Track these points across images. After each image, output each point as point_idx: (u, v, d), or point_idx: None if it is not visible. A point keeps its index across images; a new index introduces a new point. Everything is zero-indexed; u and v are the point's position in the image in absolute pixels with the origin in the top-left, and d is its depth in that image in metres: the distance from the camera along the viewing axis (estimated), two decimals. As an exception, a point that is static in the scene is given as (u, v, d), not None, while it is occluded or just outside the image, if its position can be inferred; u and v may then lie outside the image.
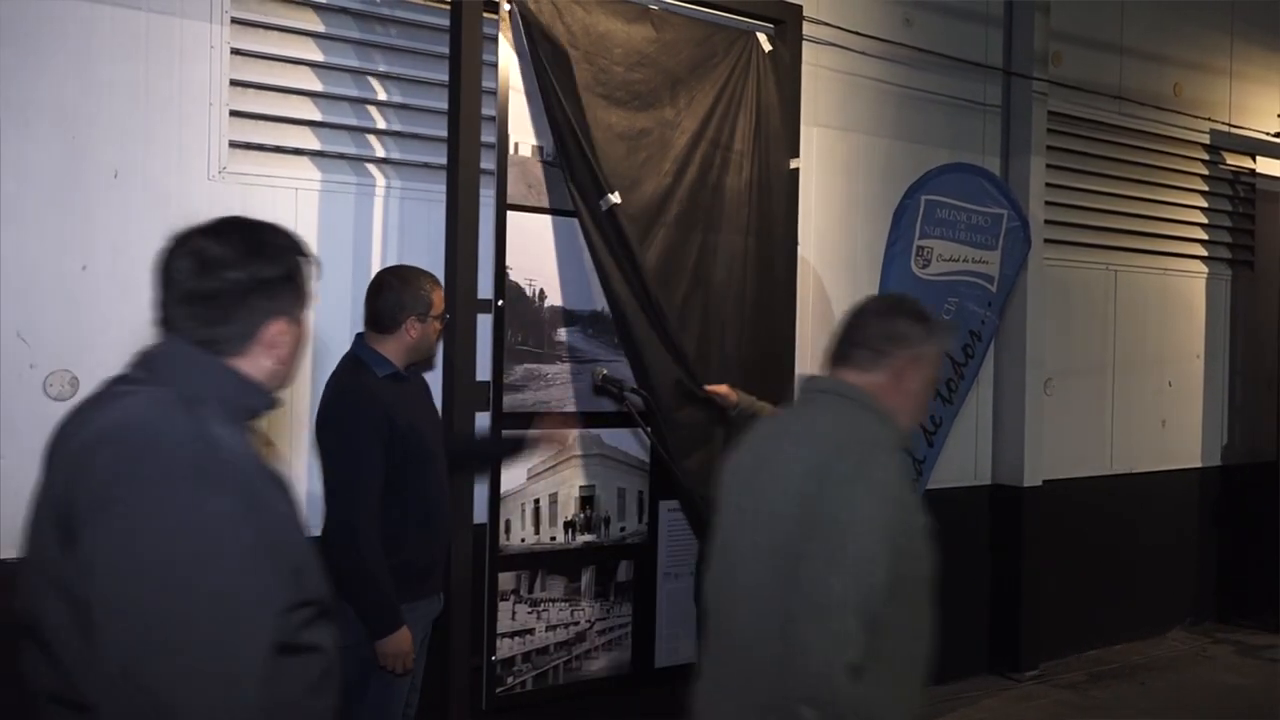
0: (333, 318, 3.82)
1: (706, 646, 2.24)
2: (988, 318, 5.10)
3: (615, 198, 3.85)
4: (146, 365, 1.67)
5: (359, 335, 3.32)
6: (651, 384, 3.87)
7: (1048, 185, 5.91)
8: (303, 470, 3.75)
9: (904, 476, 2.03)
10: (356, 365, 3.22)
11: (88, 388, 3.40)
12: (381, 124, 3.96)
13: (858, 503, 1.94)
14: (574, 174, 3.82)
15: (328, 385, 3.24)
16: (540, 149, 3.88)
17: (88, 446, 1.60)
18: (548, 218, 3.90)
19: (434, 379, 3.78)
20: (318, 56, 3.83)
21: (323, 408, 3.20)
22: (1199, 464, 7.01)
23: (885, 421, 2.11)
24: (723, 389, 3.92)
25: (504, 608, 3.83)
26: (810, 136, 4.95)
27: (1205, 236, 6.99)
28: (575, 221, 3.91)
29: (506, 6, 3.75)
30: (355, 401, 3.13)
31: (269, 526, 1.58)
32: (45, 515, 1.63)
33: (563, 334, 3.96)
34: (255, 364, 1.69)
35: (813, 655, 1.87)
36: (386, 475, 3.09)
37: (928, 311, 2.21)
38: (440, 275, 3.75)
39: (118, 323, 3.48)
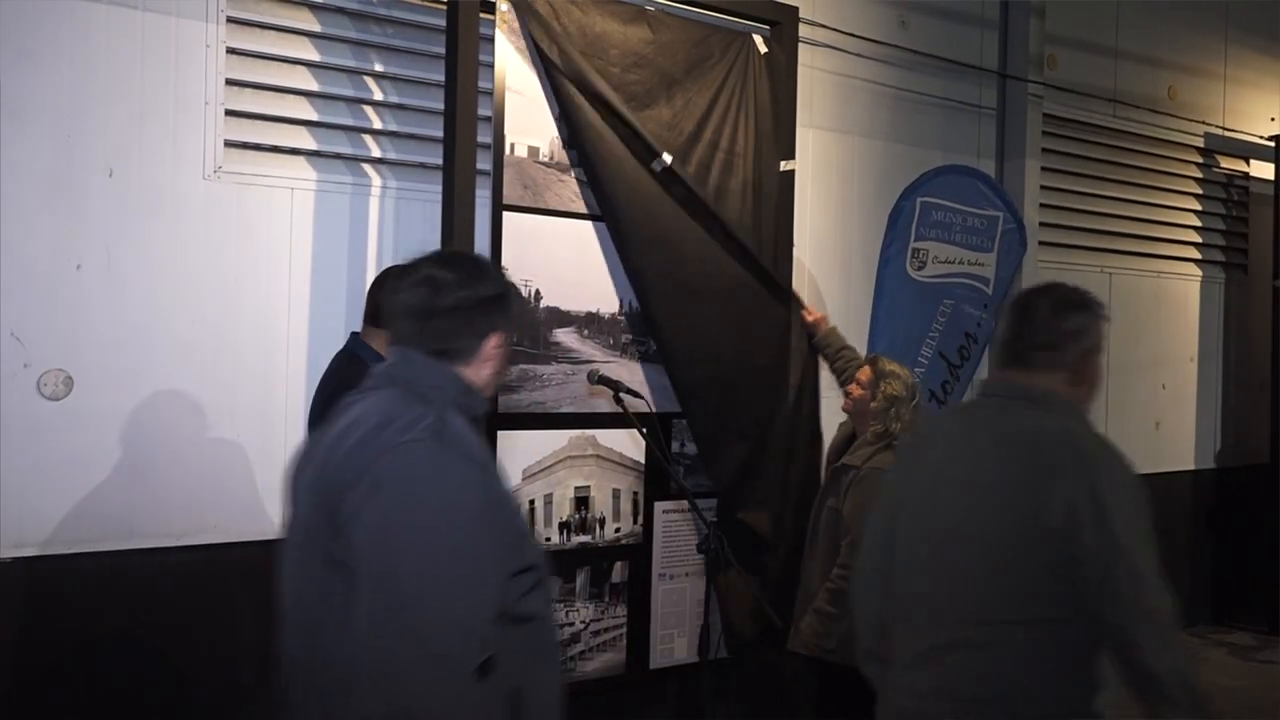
0: (327, 318, 3.82)
1: (908, 642, 2.22)
2: (983, 320, 5.11)
3: (668, 158, 3.97)
4: (387, 374, 1.95)
5: (354, 334, 3.32)
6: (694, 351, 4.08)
7: (1042, 188, 5.93)
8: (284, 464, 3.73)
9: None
10: (355, 361, 3.18)
11: (82, 387, 3.42)
12: (378, 124, 3.95)
13: (1132, 513, 2.06)
14: (623, 142, 3.90)
15: (325, 382, 3.22)
16: (536, 150, 3.88)
17: (342, 435, 1.86)
18: (544, 218, 3.90)
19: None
20: (314, 56, 3.83)
21: (327, 402, 3.11)
22: (1193, 466, 7.02)
23: (1083, 420, 2.17)
24: (817, 316, 4.36)
25: (499, 608, 3.83)
26: (806, 138, 4.95)
27: (1199, 240, 7.01)
28: (571, 222, 3.92)
29: (504, 7, 3.74)
30: None
31: (496, 496, 1.86)
32: (309, 500, 1.89)
33: (558, 335, 3.96)
34: (477, 372, 1.96)
35: (1169, 654, 1.97)
36: None
37: (1087, 294, 2.24)
38: (436, 275, 3.75)
39: (112, 322, 3.48)
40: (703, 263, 4.13)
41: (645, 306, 4.06)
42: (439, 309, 1.91)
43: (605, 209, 3.97)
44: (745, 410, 4.23)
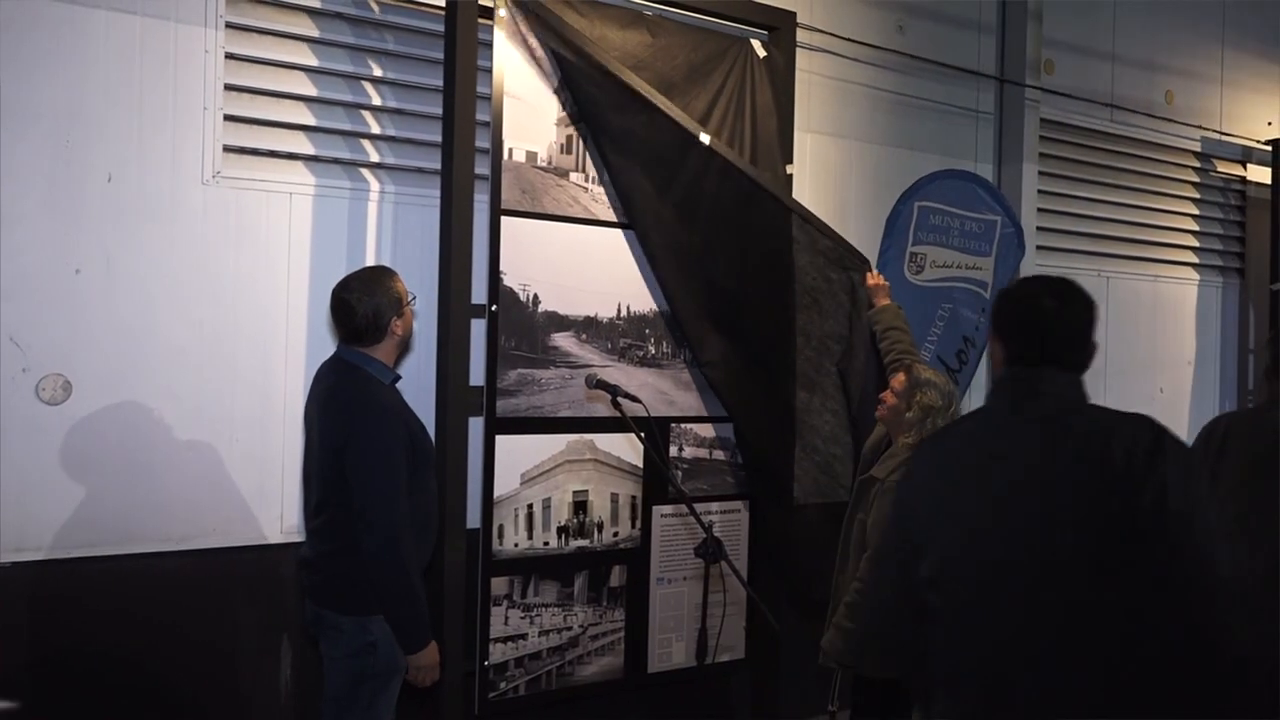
0: (325, 324, 3.82)
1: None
2: (981, 324, 5.10)
3: (705, 137, 4.02)
4: (1057, 398, 2.08)
5: (344, 345, 3.19)
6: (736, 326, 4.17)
7: (1040, 192, 5.93)
8: (296, 470, 3.75)
9: None
10: (359, 375, 3.10)
11: (80, 392, 3.43)
12: (376, 129, 3.96)
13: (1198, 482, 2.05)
14: (656, 128, 3.94)
15: (333, 399, 3.09)
16: (534, 155, 3.88)
17: None
18: (542, 223, 3.90)
19: (427, 383, 3.79)
20: (312, 61, 3.83)
21: (340, 425, 3.04)
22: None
23: None
24: (878, 280, 4.33)
25: (497, 613, 3.83)
26: (804, 142, 4.96)
27: (1196, 244, 7.01)
28: (569, 227, 3.93)
29: (502, 11, 3.75)
30: (380, 415, 3.03)
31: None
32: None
33: (556, 339, 3.96)
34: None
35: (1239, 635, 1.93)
36: None
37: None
38: (434, 280, 3.76)
39: (111, 327, 3.48)
40: (744, 255, 4.17)
41: (676, 304, 4.12)
42: (1078, 331, 2.17)
43: (631, 206, 4.01)
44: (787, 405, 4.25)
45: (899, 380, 3.70)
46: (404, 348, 3.30)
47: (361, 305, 3.09)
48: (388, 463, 2.99)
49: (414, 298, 3.27)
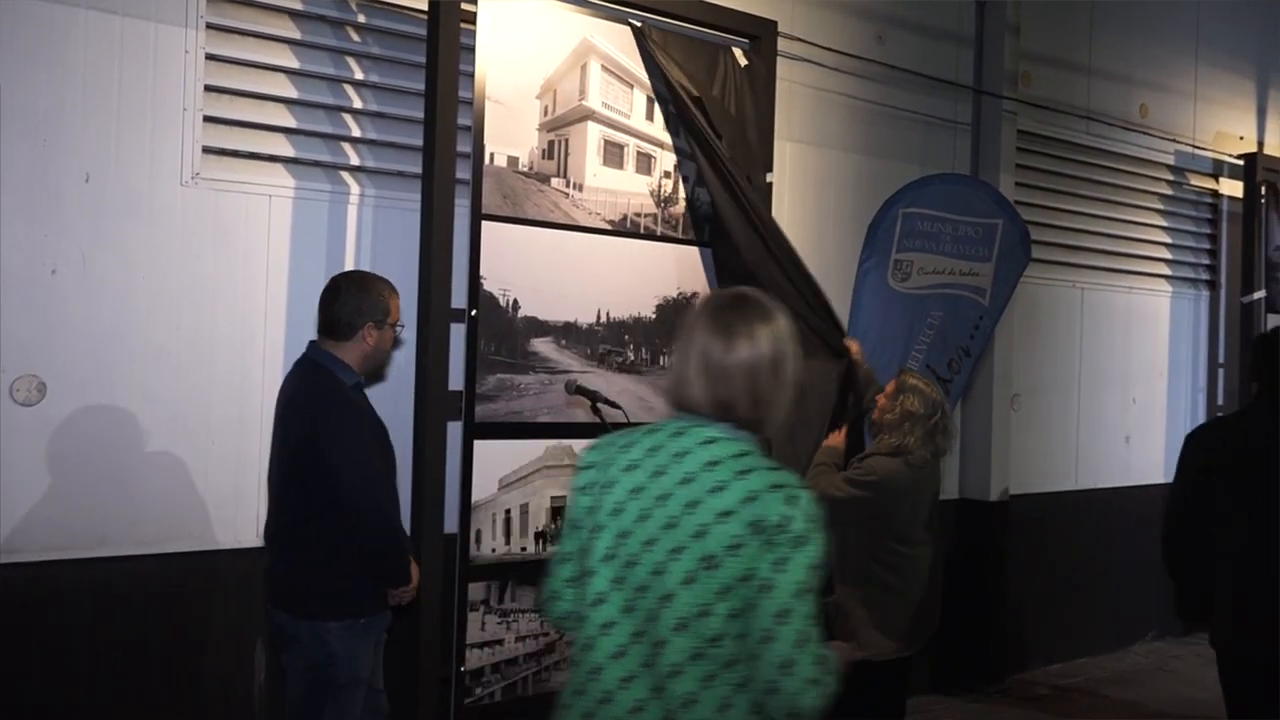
0: (303, 326, 3.80)
1: None
2: (977, 332, 5.02)
3: (770, 177, 4.26)
4: None
5: (313, 343, 3.23)
6: None
7: (1017, 203, 5.96)
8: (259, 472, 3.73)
9: None
10: (320, 371, 3.14)
11: (55, 393, 3.39)
12: (357, 132, 3.95)
13: None
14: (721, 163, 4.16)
15: (295, 393, 3.16)
16: (516, 160, 3.88)
17: None
18: (522, 228, 3.90)
19: (406, 387, 3.78)
20: (293, 63, 3.82)
21: (313, 415, 3.07)
22: (1163, 480, 7.08)
23: None
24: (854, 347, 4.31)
25: (474, 618, 3.82)
26: (784, 151, 4.98)
27: (1170, 256, 7.09)
28: (550, 232, 3.94)
29: (487, 18, 3.75)
30: (348, 404, 3.10)
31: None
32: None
33: (536, 344, 3.96)
34: None
35: None
36: None
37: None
38: (414, 284, 3.75)
39: (87, 328, 3.45)
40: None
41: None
42: None
43: (718, 235, 4.26)
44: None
45: (891, 386, 3.83)
46: (373, 363, 3.27)
47: (346, 296, 3.15)
48: (356, 443, 3.06)
49: (402, 326, 3.30)
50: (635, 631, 1.89)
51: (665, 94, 4.13)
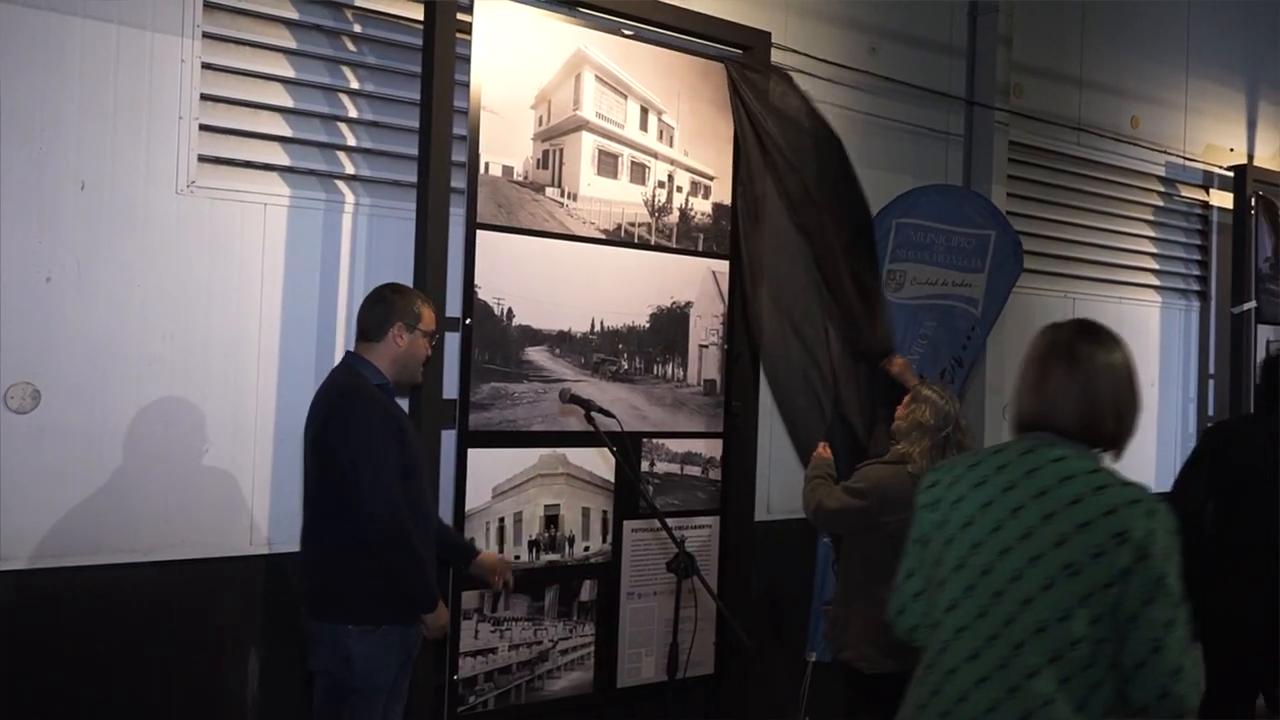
0: (299, 334, 3.82)
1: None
2: (969, 342, 5.03)
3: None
4: None
5: (349, 351, 3.34)
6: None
7: (1008, 214, 5.99)
8: (267, 481, 3.74)
9: None
10: (349, 371, 3.23)
11: (50, 401, 3.39)
12: (352, 141, 3.96)
13: None
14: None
15: (323, 391, 3.23)
16: (511, 169, 3.90)
17: None
18: (517, 237, 3.92)
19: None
20: (289, 72, 3.83)
21: (325, 410, 3.15)
22: (1153, 488, 7.10)
23: None
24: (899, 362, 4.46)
25: (467, 626, 3.82)
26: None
27: (1161, 267, 7.12)
28: (544, 241, 3.95)
29: (482, 28, 3.77)
30: (361, 397, 3.13)
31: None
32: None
33: (530, 353, 3.97)
34: None
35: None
36: None
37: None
38: (409, 293, 3.76)
39: (81, 335, 3.46)
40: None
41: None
42: None
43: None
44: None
45: (910, 395, 3.90)
46: (404, 367, 3.28)
47: (381, 300, 3.25)
48: (369, 442, 3.06)
49: (435, 339, 3.36)
50: (990, 635, 2.03)
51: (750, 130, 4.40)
